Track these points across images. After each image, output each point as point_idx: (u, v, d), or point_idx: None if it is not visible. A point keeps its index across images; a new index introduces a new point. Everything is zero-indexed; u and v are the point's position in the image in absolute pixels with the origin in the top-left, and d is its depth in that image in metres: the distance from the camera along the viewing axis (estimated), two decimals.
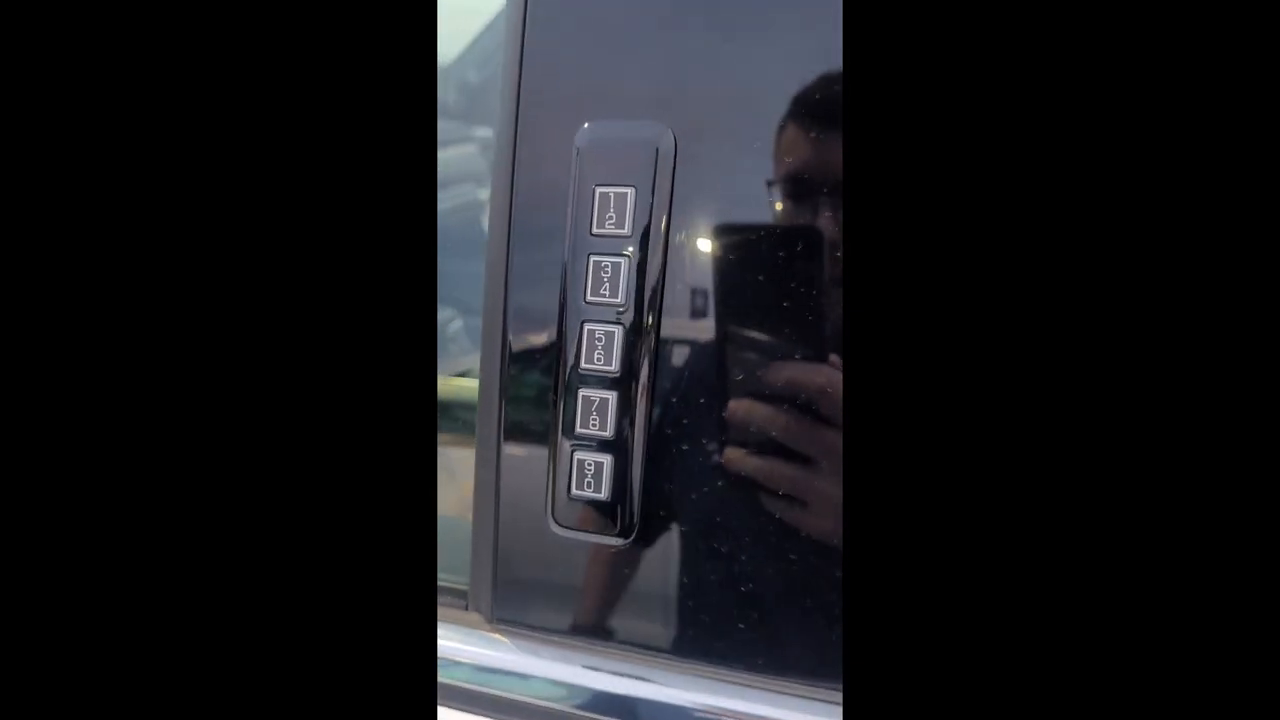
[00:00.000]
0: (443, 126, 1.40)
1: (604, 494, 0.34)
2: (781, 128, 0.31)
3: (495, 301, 0.36)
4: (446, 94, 1.45)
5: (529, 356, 0.35)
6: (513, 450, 0.36)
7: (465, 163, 1.35)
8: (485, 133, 1.39)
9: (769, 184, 0.31)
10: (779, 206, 0.32)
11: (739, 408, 0.32)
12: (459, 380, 0.76)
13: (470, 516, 0.38)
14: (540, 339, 0.35)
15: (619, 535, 0.35)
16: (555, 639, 0.37)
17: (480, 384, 0.37)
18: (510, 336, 0.36)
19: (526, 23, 0.34)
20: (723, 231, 0.32)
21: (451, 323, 0.99)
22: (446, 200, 1.26)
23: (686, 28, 0.32)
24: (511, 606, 0.37)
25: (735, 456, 0.32)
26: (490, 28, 1.34)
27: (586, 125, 0.33)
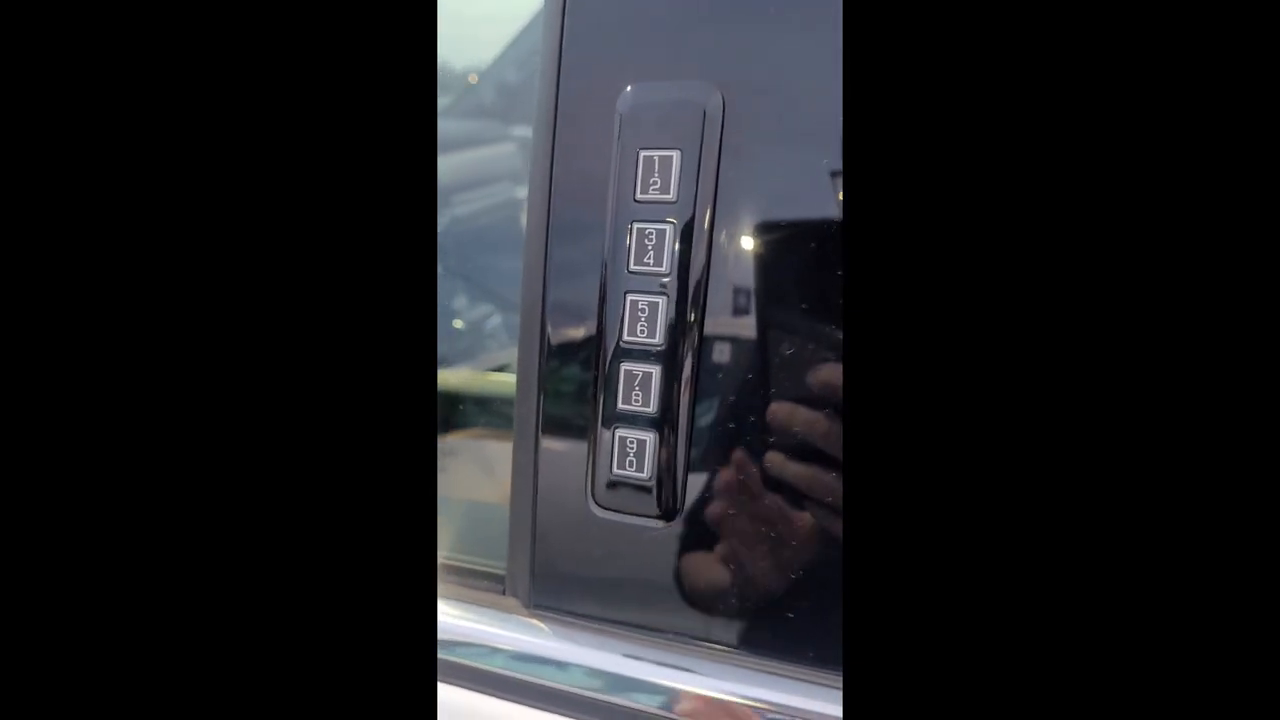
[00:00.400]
0: (482, 125, 1.41)
1: (646, 474, 0.33)
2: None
3: (534, 286, 0.35)
4: (486, 94, 1.46)
5: (569, 337, 0.34)
6: (552, 433, 0.35)
7: (504, 161, 1.35)
8: (524, 131, 1.40)
9: (821, 151, 0.30)
10: (833, 174, 0.30)
11: (780, 411, 0.30)
12: (497, 375, 0.75)
13: (508, 505, 0.37)
14: (581, 318, 0.34)
15: (661, 518, 0.33)
16: (594, 625, 0.36)
17: (519, 369, 0.36)
18: (549, 317, 0.34)
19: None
20: (773, 198, 0.31)
21: (489, 319, 0.99)
22: (485, 198, 1.27)
23: None
24: (550, 592, 0.36)
25: (776, 461, 0.31)
26: (528, 30, 1.35)
27: (629, 88, 0.32)
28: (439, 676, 0.37)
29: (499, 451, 0.60)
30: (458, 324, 0.97)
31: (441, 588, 0.40)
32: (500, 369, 0.75)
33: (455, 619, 0.38)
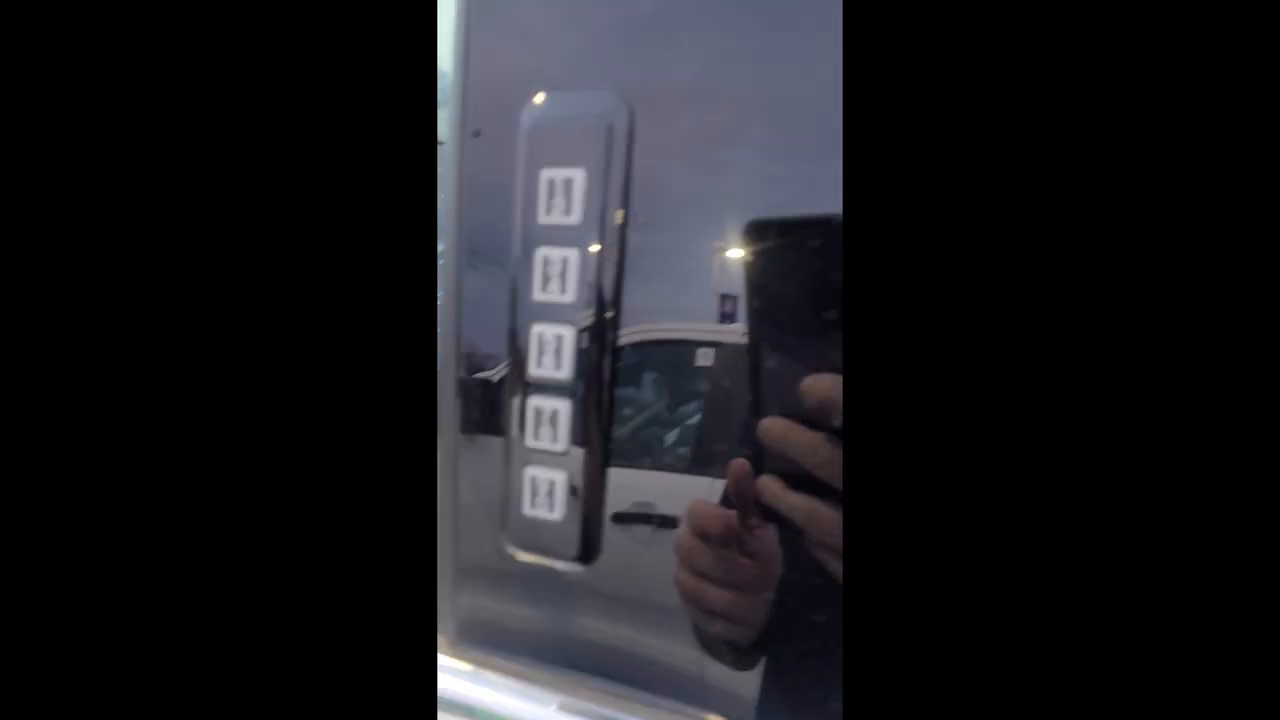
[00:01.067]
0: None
1: (556, 514, 0.30)
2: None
3: (449, 316, 0.33)
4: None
5: (483, 370, 0.32)
6: (471, 465, 0.33)
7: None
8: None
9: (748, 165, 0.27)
10: (747, 190, 0.27)
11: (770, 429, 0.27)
12: None
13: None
14: (492, 350, 0.32)
15: (576, 560, 0.31)
16: (519, 670, 0.34)
17: (439, 404, 0.34)
18: (463, 349, 0.33)
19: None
20: (685, 217, 0.28)
21: None
22: None
23: None
24: (473, 633, 0.34)
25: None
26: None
27: (532, 101, 0.30)
28: None
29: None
30: None
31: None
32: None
33: None
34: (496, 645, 0.34)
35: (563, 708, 0.33)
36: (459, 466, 0.34)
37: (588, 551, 0.31)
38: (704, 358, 0.28)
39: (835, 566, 0.26)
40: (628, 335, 0.29)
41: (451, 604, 0.35)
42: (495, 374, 0.32)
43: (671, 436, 0.29)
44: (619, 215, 0.29)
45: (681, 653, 0.30)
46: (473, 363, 0.33)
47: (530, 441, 0.31)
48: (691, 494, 0.29)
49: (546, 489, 0.31)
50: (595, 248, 0.29)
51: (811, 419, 0.26)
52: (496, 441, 0.32)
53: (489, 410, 0.32)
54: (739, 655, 0.29)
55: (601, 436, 0.30)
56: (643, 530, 0.30)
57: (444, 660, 0.36)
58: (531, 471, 0.31)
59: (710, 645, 0.29)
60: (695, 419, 0.29)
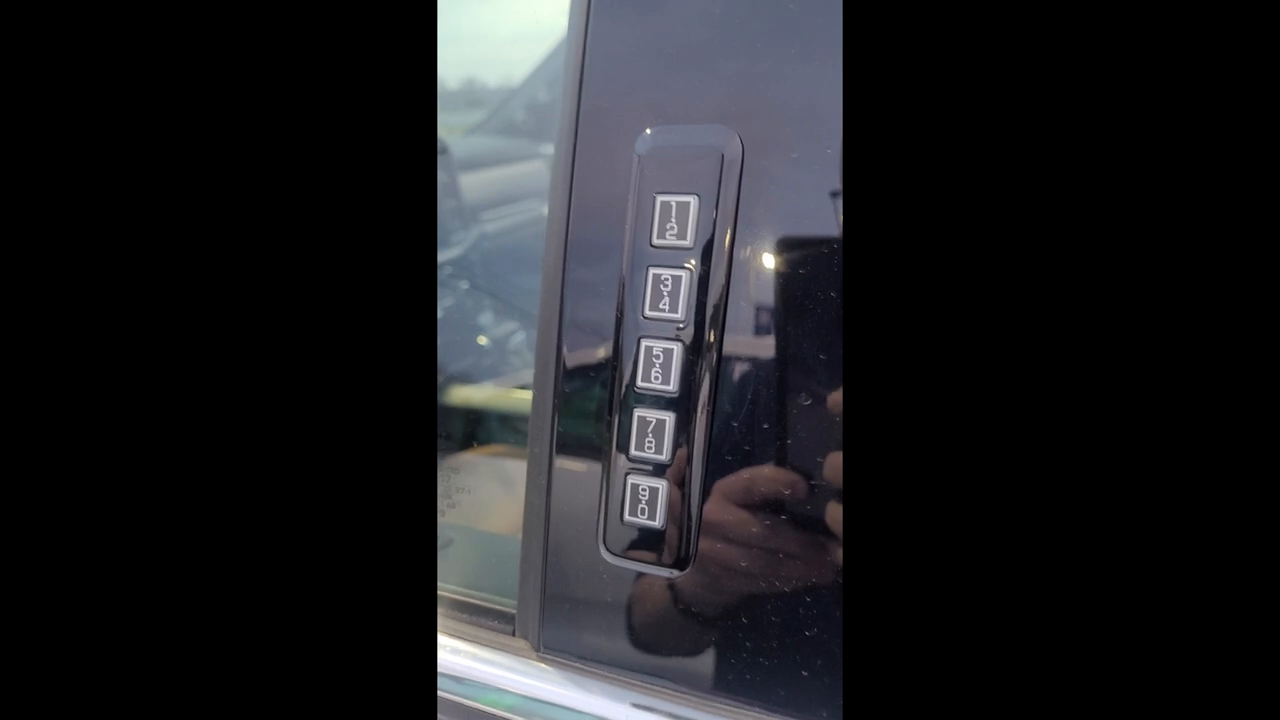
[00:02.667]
0: (511, 144, 1.42)
1: (658, 521, 0.32)
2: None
3: (550, 315, 0.35)
4: (516, 113, 1.47)
5: (584, 373, 0.34)
6: (565, 471, 0.35)
7: (533, 179, 1.36)
8: (553, 149, 1.40)
9: (835, 196, 0.29)
10: (833, 194, 0.29)
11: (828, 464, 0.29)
12: (521, 393, 0.75)
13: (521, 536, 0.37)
14: (596, 355, 0.33)
15: (672, 566, 0.32)
16: (603, 672, 0.35)
17: (533, 400, 0.36)
18: (565, 351, 0.34)
19: (589, 29, 0.33)
20: (790, 245, 0.30)
21: (514, 335, 0.99)
22: (513, 215, 1.28)
23: (754, 34, 0.30)
24: (559, 635, 0.36)
25: (793, 510, 0.29)
26: (560, 49, 1.35)
27: (649, 131, 0.32)
28: (445, 716, 0.37)
29: (521, 471, 0.60)
30: (483, 340, 0.98)
31: (451, 624, 0.40)
32: (525, 386, 0.75)
33: (462, 657, 0.38)
34: (583, 649, 0.35)
35: (636, 705, 0.34)
36: (554, 474, 0.35)
37: (684, 559, 0.32)
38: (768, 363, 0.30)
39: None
40: (731, 348, 0.31)
41: (540, 610, 0.36)
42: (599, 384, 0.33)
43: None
44: (728, 238, 0.31)
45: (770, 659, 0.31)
46: (575, 372, 0.34)
47: (634, 450, 0.32)
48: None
49: (647, 497, 0.32)
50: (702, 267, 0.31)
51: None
52: (595, 450, 0.34)
53: (590, 418, 0.34)
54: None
55: (703, 447, 0.31)
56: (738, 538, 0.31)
57: (529, 663, 0.37)
58: (633, 480, 0.32)
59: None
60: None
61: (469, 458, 0.65)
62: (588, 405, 0.34)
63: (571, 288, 0.34)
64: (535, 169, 1.37)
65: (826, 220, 0.29)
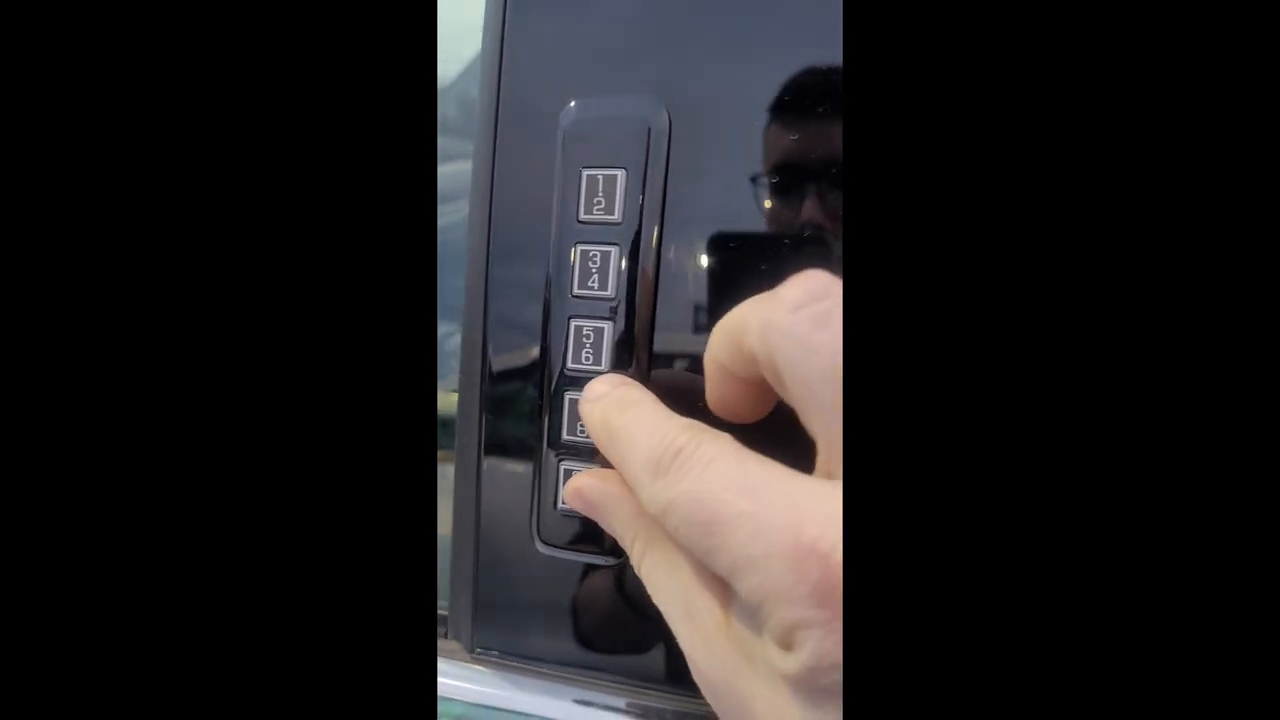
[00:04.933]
0: (443, 143, 1.39)
1: None
2: (783, 109, 0.28)
3: (475, 308, 0.33)
4: (447, 109, 1.44)
5: (512, 362, 0.32)
6: (495, 463, 0.33)
7: (465, 178, 1.33)
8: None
9: (774, 168, 0.29)
10: (786, 192, 0.29)
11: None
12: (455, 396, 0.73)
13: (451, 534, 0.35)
14: (524, 343, 0.32)
15: (610, 554, 0.31)
16: (542, 670, 0.34)
17: (459, 394, 0.34)
18: (490, 339, 0.33)
19: (508, 8, 0.32)
20: (723, 218, 0.29)
21: (451, 337, 0.96)
22: (446, 215, 1.24)
23: (683, 10, 0.29)
24: (494, 634, 0.34)
25: None
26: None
27: (572, 104, 0.31)
28: None
29: (448, 473, 0.58)
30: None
31: None
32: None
33: None
34: (518, 648, 0.33)
35: (578, 701, 0.33)
36: (483, 466, 0.33)
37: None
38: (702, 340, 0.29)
39: None
40: (663, 339, 0.30)
41: (472, 609, 0.34)
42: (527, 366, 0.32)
43: None
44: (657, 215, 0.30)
45: None
46: (503, 356, 0.33)
47: (566, 436, 0.31)
48: None
49: None
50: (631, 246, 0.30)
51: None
52: (526, 436, 0.32)
53: (520, 403, 0.32)
54: None
55: None
56: None
57: (462, 665, 0.35)
58: (567, 465, 0.31)
59: None
60: None
61: None
62: (517, 394, 0.32)
63: (497, 278, 0.32)
64: (467, 168, 1.34)
65: (755, 195, 0.29)
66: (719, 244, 0.29)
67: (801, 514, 0.19)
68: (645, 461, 0.22)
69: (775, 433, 0.23)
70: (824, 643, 0.18)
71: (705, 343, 0.29)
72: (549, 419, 0.31)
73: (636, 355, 0.30)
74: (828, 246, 0.28)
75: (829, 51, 0.28)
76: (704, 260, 0.29)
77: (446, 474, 0.37)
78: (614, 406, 0.25)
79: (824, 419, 0.20)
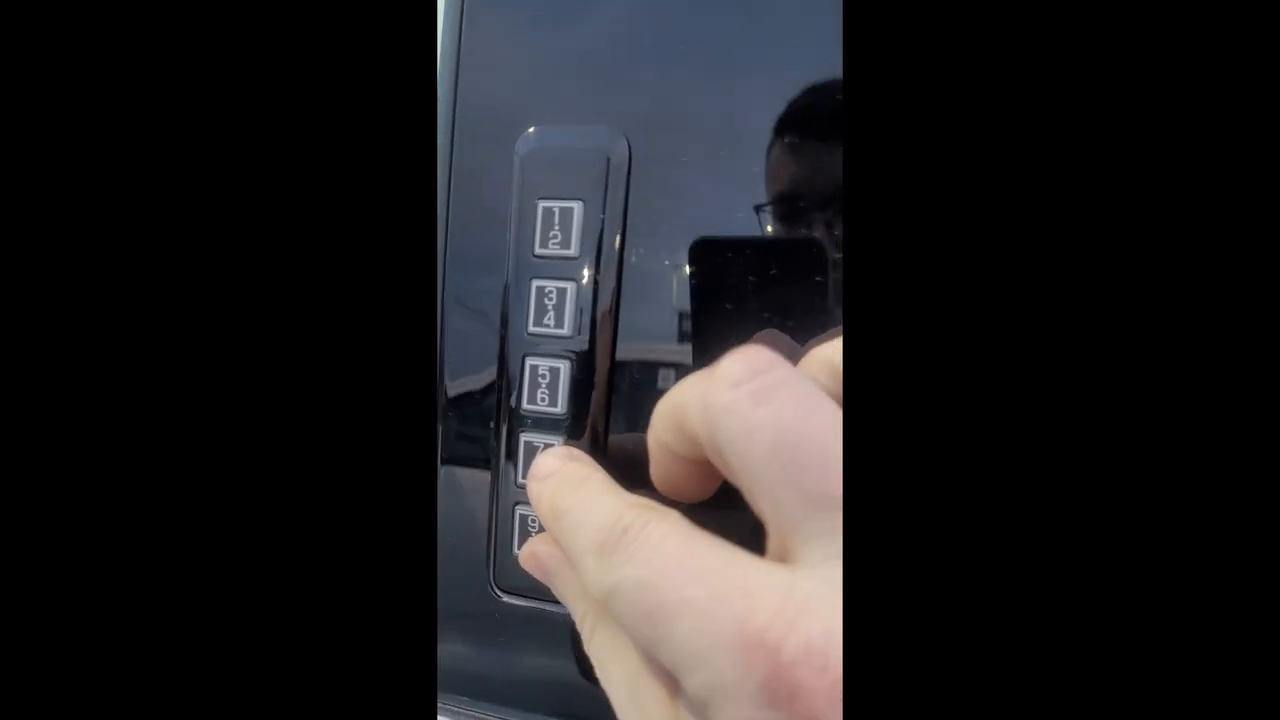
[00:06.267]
0: None
1: None
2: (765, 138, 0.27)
3: (436, 337, 0.32)
4: None
5: (468, 397, 0.31)
6: (453, 505, 0.32)
7: None
8: None
9: (743, 198, 0.27)
10: (760, 222, 0.27)
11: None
12: None
13: None
14: (479, 376, 0.31)
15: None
16: (499, 715, 0.32)
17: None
18: (446, 374, 0.31)
19: (464, 25, 0.30)
20: (686, 252, 0.28)
21: None
22: None
23: (640, 29, 0.28)
24: (453, 681, 0.33)
25: None
26: None
27: (530, 130, 0.29)
28: None
29: None
30: None
31: None
32: None
33: None
34: (481, 694, 0.32)
35: None
36: (440, 504, 0.32)
37: None
38: (665, 380, 0.28)
39: None
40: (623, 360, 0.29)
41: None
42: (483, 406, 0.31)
43: None
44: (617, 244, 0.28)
45: None
46: (458, 395, 0.31)
47: (521, 479, 0.30)
48: None
49: (537, 528, 0.30)
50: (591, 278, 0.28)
51: None
52: (482, 477, 0.31)
53: (475, 443, 0.31)
54: None
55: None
56: None
57: None
58: (522, 510, 0.30)
59: None
60: None
61: None
62: (472, 432, 0.31)
63: (451, 307, 0.31)
64: None
65: (721, 230, 0.27)
66: (680, 279, 0.28)
67: (751, 602, 0.17)
68: (590, 543, 0.21)
69: (729, 509, 0.21)
70: None
71: (666, 383, 0.27)
72: (505, 461, 0.30)
73: (594, 396, 0.29)
74: (802, 282, 0.26)
75: (792, 79, 0.26)
76: (664, 297, 0.28)
77: None
78: (562, 485, 0.24)
79: (771, 499, 0.19)
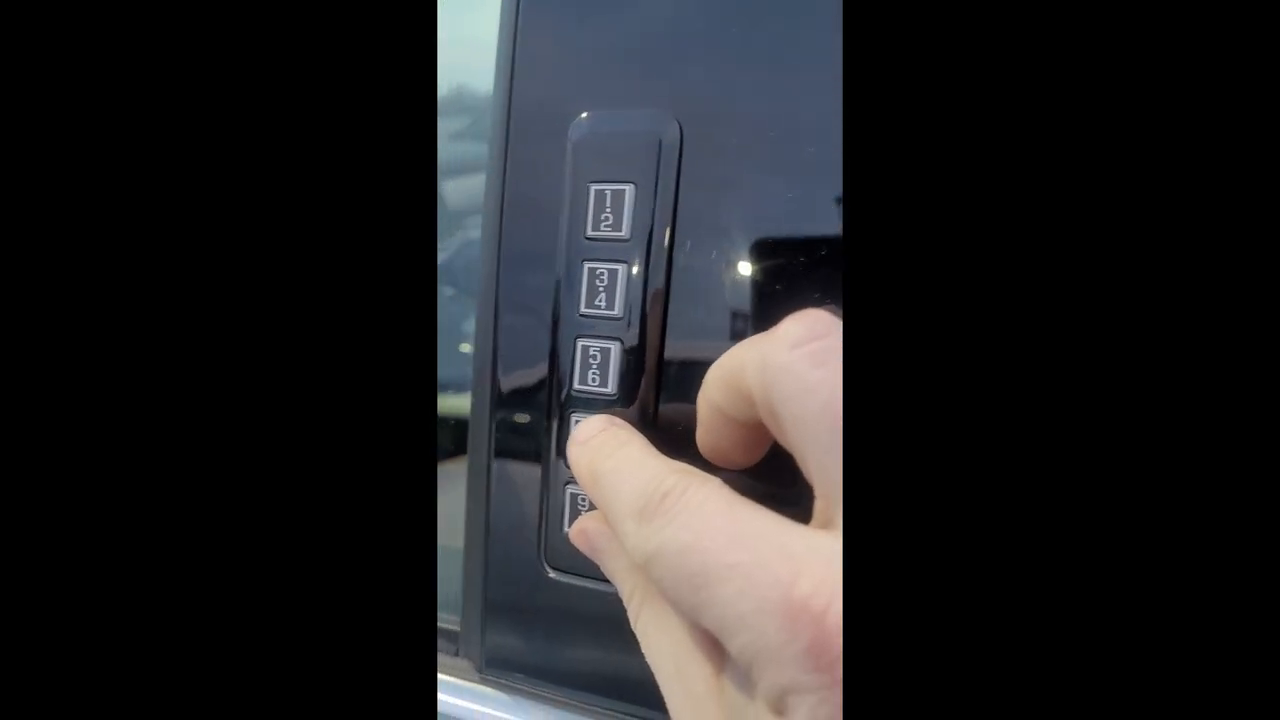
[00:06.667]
0: (470, 150, 1.40)
1: None
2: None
3: (486, 319, 0.33)
4: (482, 122, 1.45)
5: (520, 381, 0.32)
6: (504, 482, 0.33)
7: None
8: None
9: (794, 181, 0.27)
10: (799, 208, 0.27)
11: None
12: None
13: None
14: (532, 361, 0.31)
15: None
16: (549, 695, 0.33)
17: (471, 410, 0.34)
18: (500, 360, 0.32)
19: (520, 15, 0.31)
20: (736, 234, 0.28)
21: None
22: (469, 229, 1.26)
23: (693, 12, 0.28)
24: (503, 654, 0.33)
25: None
26: None
27: (583, 116, 0.30)
28: None
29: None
30: (465, 348, 0.96)
31: None
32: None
33: None
34: (531, 670, 0.33)
35: None
36: (493, 484, 0.33)
37: None
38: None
39: None
40: (674, 351, 0.29)
41: (481, 628, 0.34)
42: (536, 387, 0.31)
43: None
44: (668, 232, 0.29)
45: None
46: (510, 376, 0.32)
47: None
48: None
49: (588, 506, 0.30)
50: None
51: None
52: (535, 455, 0.32)
53: (528, 424, 0.32)
54: None
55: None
56: None
57: (470, 686, 0.35)
58: (573, 489, 0.30)
59: None
60: None
61: (449, 466, 0.63)
62: (525, 411, 0.32)
63: (507, 293, 0.32)
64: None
65: (772, 213, 0.27)
66: (731, 261, 0.28)
67: (796, 567, 0.18)
68: (630, 507, 0.21)
69: (769, 479, 0.21)
70: (818, 710, 0.17)
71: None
72: (556, 440, 0.31)
73: (644, 377, 0.29)
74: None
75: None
76: (715, 279, 0.28)
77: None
78: (601, 450, 0.24)
79: (822, 462, 0.19)
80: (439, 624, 0.36)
